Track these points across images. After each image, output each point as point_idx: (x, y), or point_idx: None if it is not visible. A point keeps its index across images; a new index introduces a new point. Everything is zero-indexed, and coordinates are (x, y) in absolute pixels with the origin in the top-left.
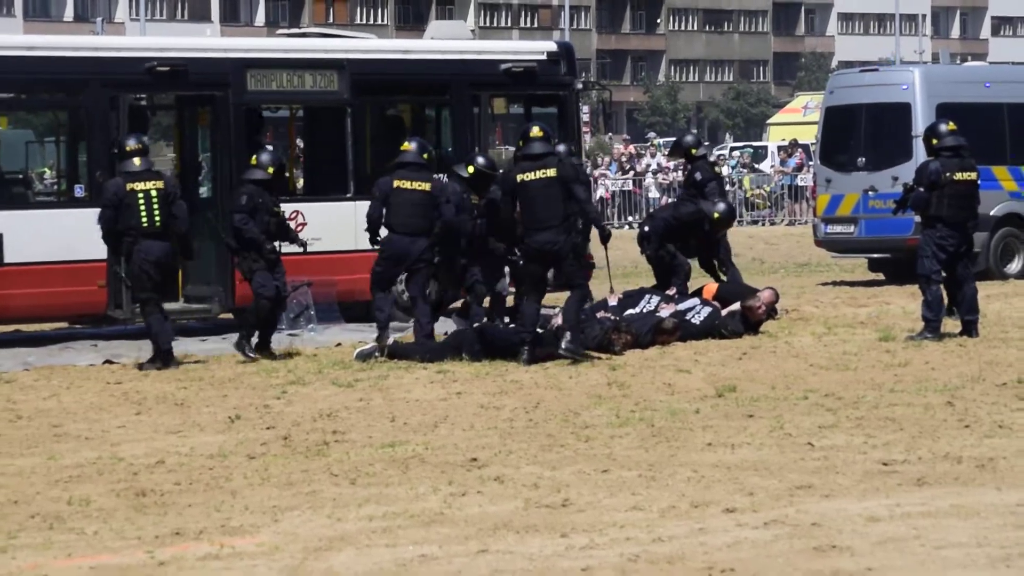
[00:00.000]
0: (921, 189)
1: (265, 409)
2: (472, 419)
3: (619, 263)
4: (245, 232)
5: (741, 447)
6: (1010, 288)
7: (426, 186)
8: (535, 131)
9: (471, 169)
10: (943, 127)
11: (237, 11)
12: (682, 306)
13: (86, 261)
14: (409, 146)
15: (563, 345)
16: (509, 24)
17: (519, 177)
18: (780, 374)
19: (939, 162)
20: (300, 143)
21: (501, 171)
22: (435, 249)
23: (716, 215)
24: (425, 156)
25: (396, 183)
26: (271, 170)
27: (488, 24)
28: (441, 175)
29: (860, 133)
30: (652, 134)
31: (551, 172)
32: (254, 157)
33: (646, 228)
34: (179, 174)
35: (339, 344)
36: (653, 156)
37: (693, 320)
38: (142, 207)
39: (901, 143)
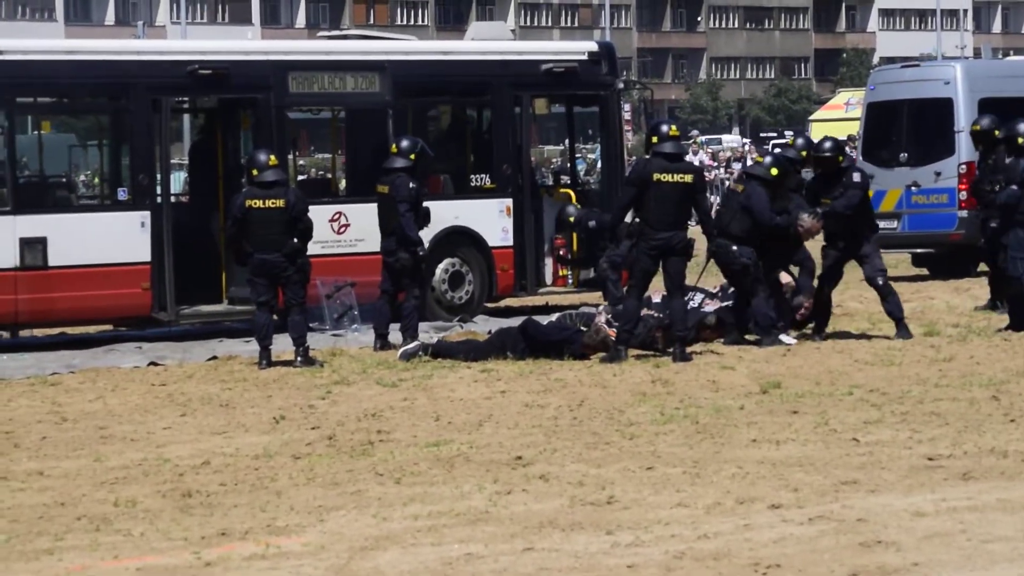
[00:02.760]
0: (1015, 187)
1: (310, 409)
2: (516, 417)
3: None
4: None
5: (786, 443)
6: None
7: (384, 189)
8: (672, 129)
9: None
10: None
11: (278, 13)
12: (727, 301)
13: (130, 264)
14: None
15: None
16: (550, 24)
17: (656, 176)
18: (824, 370)
19: None
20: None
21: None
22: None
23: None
24: (412, 156)
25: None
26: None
27: (529, 24)
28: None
29: (902, 129)
30: (695, 132)
31: (688, 179)
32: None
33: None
34: (221, 177)
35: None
36: (695, 154)
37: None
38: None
39: (943, 138)
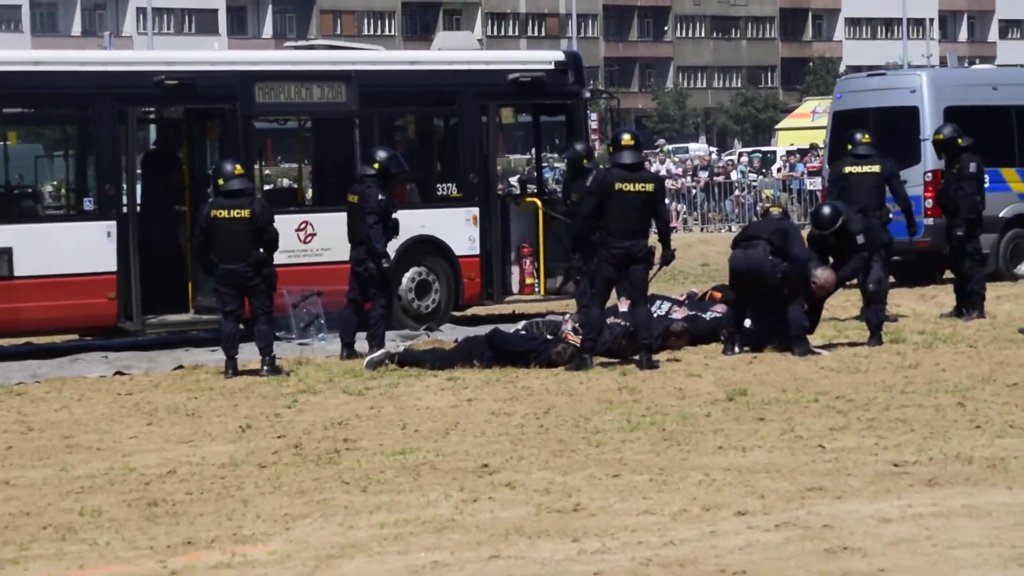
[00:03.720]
0: None
1: (276, 418)
2: (483, 425)
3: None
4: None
5: (752, 450)
6: (1020, 289)
7: (354, 198)
8: (627, 138)
9: (376, 166)
10: None
11: (245, 24)
12: (694, 309)
13: (96, 273)
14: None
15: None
16: (517, 33)
17: (618, 185)
18: (791, 377)
19: None
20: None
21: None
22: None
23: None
24: (375, 166)
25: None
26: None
27: (495, 33)
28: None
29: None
30: (661, 140)
31: (649, 188)
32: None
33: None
34: (188, 186)
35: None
36: (662, 163)
37: (704, 316)
38: None
39: (909, 147)
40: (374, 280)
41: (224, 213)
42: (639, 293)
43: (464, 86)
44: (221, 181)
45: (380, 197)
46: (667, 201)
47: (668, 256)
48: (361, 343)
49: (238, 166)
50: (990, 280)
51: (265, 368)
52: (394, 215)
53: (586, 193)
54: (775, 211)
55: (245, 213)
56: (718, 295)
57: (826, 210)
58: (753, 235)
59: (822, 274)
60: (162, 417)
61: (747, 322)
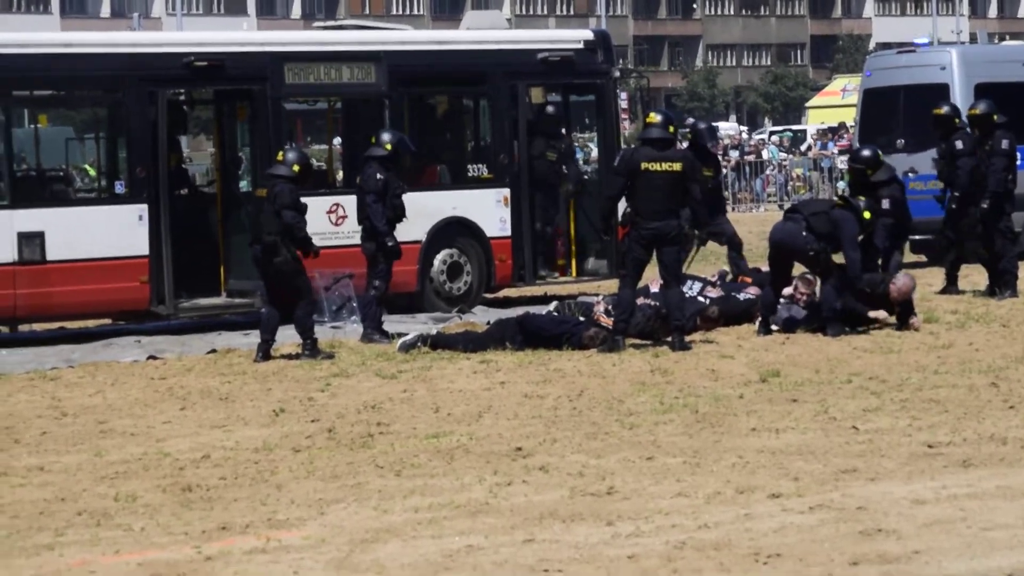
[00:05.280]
0: None
1: (309, 402)
2: (516, 408)
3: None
4: (298, 231)
5: (785, 432)
6: None
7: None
8: (653, 116)
9: (388, 147)
10: None
11: (273, 4)
12: (727, 289)
13: (128, 257)
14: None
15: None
16: (545, 12)
17: (644, 165)
18: (823, 358)
19: None
20: (338, 135)
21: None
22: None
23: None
24: (388, 147)
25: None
26: (297, 168)
27: (524, 13)
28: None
29: (899, 115)
30: (691, 120)
31: (676, 167)
32: (280, 153)
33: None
34: (218, 168)
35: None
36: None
37: (739, 296)
38: None
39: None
40: (372, 260)
41: (261, 192)
42: (672, 274)
43: (493, 66)
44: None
45: (379, 176)
46: None
47: (704, 237)
48: (391, 325)
49: (280, 152)
50: (1022, 259)
51: (306, 352)
52: (404, 195)
53: (613, 173)
54: (838, 201)
55: (264, 193)
56: (749, 279)
57: (866, 152)
58: (796, 209)
59: (901, 279)
60: (195, 401)
61: (654, 287)
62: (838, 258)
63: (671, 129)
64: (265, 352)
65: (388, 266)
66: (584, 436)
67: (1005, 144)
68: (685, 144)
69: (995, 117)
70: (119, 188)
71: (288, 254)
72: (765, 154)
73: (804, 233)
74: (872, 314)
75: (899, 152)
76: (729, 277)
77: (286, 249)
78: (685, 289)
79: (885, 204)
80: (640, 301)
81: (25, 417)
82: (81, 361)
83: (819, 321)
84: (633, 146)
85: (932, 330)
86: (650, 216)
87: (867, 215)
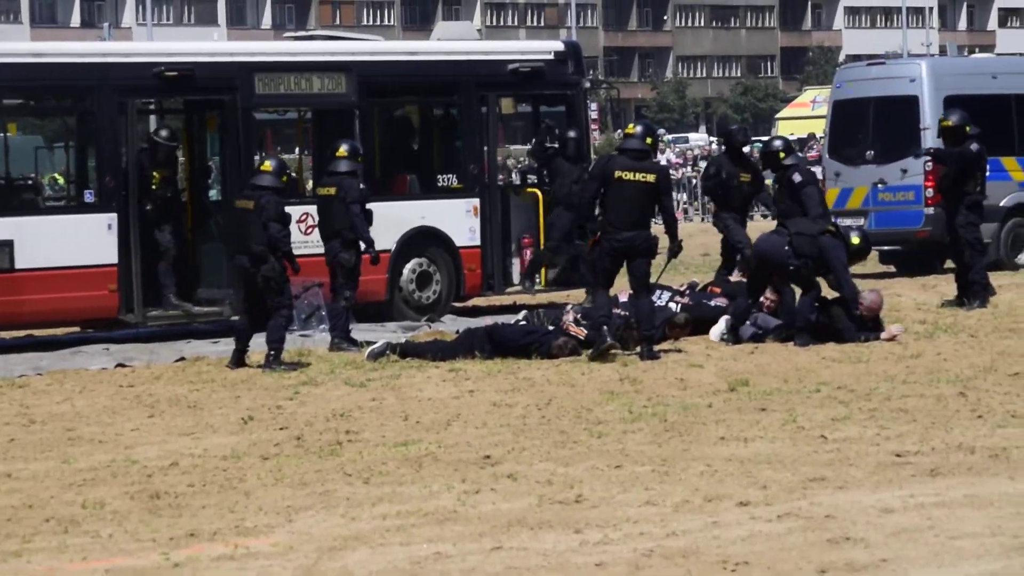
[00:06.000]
0: None
1: (278, 410)
2: (485, 417)
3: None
4: (283, 244)
5: (754, 440)
6: (1021, 278)
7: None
8: (635, 128)
9: (360, 158)
10: None
11: (244, 14)
12: (695, 299)
13: (97, 266)
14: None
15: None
16: (516, 23)
17: (617, 173)
18: (792, 367)
19: None
20: (308, 146)
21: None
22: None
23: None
24: (359, 159)
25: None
26: (284, 179)
27: (495, 23)
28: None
29: (868, 126)
30: (661, 131)
31: (650, 178)
32: (267, 163)
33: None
34: (188, 178)
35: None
36: (662, 152)
37: (708, 303)
38: None
39: (909, 136)
40: (345, 271)
41: (241, 203)
42: (641, 285)
43: (464, 76)
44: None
45: (361, 186)
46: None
47: (675, 249)
48: (359, 334)
49: (266, 162)
50: (991, 269)
51: (270, 364)
52: (370, 205)
53: (588, 178)
54: (830, 227)
55: (250, 205)
56: (717, 289)
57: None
58: (784, 223)
59: (869, 296)
60: (164, 409)
61: (623, 296)
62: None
63: (649, 141)
64: (239, 360)
65: (356, 276)
66: (553, 444)
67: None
68: (719, 147)
69: (967, 129)
70: (88, 197)
71: (276, 263)
72: None
73: (786, 248)
74: (885, 336)
75: (868, 163)
76: (699, 287)
77: (274, 258)
78: (654, 298)
79: (796, 177)
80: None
81: None
82: (49, 368)
83: (791, 330)
84: (611, 153)
85: (900, 340)
86: (621, 226)
87: (856, 241)
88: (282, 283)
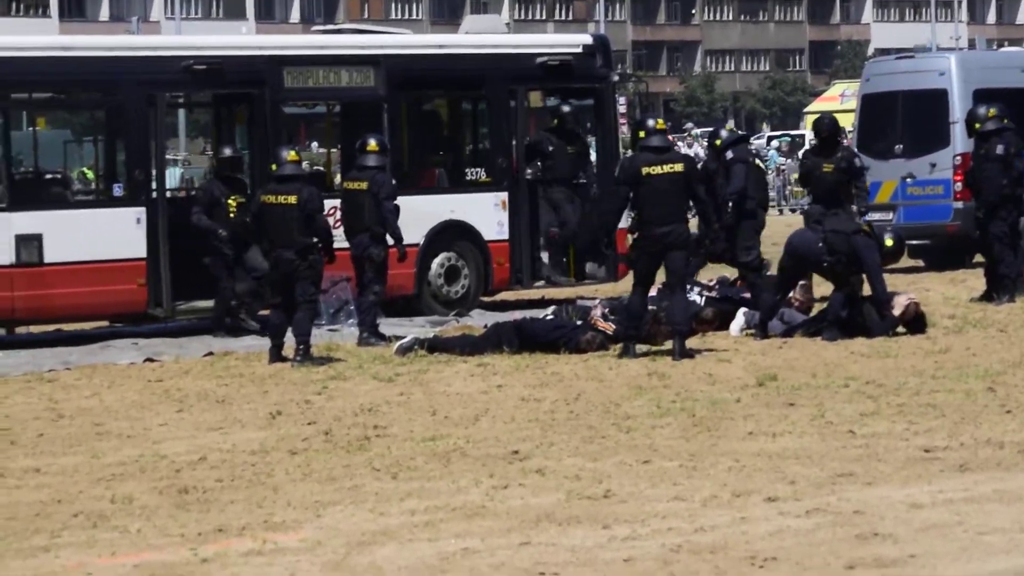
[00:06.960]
0: None
1: (306, 405)
2: (513, 412)
3: None
4: (330, 235)
5: (782, 436)
6: None
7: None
8: (658, 123)
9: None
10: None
11: (272, 8)
12: (724, 294)
13: (125, 260)
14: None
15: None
16: (544, 17)
17: (644, 170)
18: (820, 362)
19: None
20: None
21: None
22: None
23: (890, 243)
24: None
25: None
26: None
27: (523, 17)
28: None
29: (897, 120)
30: (690, 124)
31: (678, 168)
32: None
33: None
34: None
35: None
36: (690, 147)
37: (736, 297)
38: None
39: (938, 130)
40: (375, 266)
41: (273, 199)
42: (677, 280)
43: (492, 70)
44: (274, 167)
45: (393, 182)
46: None
47: (712, 235)
48: (386, 327)
49: (292, 152)
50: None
51: (298, 358)
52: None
53: (616, 184)
54: (864, 227)
55: (292, 199)
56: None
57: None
58: (819, 221)
59: (900, 300)
60: (192, 404)
61: (652, 291)
62: None
63: (660, 124)
64: (277, 355)
65: (386, 270)
66: (581, 440)
67: (1000, 150)
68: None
69: (1005, 120)
70: (117, 191)
71: (318, 257)
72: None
73: (820, 244)
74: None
75: (897, 157)
76: (729, 282)
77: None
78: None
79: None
80: None
81: (22, 419)
82: (78, 363)
83: (820, 324)
84: (632, 153)
85: (930, 335)
86: (657, 222)
87: (889, 243)
88: (319, 276)
